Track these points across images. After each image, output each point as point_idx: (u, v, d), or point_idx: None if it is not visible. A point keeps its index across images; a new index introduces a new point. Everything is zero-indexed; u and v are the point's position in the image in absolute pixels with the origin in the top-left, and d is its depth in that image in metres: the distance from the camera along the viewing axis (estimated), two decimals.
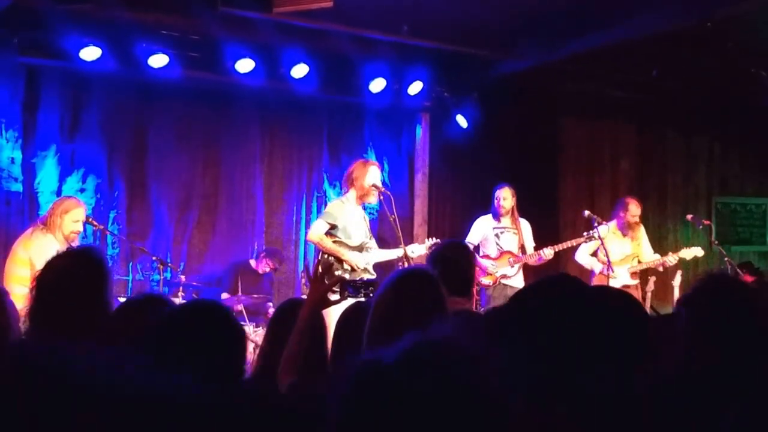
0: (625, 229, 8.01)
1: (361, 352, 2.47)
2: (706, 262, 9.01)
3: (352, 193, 6.60)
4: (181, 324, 2.20)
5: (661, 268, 8.02)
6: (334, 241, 6.46)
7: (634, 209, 7.99)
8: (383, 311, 2.58)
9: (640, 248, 8.10)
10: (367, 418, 1.25)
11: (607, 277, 7.67)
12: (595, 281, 7.77)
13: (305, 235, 8.14)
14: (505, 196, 7.69)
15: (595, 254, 7.98)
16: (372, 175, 6.57)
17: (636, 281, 8.01)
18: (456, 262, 3.35)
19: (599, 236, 7.48)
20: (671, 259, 7.88)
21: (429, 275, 2.77)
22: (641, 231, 8.16)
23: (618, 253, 7.95)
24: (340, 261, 6.42)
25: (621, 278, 7.88)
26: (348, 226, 6.49)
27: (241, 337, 2.28)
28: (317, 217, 6.84)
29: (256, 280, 7.84)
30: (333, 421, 1.28)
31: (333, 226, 6.46)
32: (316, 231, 6.51)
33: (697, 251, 7.99)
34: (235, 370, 2.20)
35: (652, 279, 8.04)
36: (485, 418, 1.24)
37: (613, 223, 8.01)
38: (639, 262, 8.06)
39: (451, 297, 3.13)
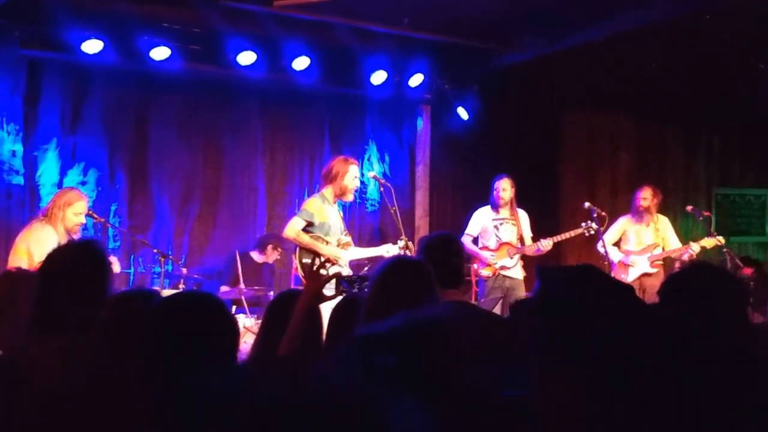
0: (638, 216, 7.99)
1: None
2: (705, 254, 9.01)
3: (328, 191, 6.49)
4: (176, 314, 2.21)
5: (686, 257, 7.80)
6: (312, 236, 6.39)
7: (643, 194, 7.94)
8: (376, 302, 2.61)
9: (666, 238, 8.05)
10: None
11: (627, 266, 7.82)
12: (616, 269, 7.85)
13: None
14: (505, 187, 7.68)
15: (616, 245, 7.99)
16: (351, 174, 6.46)
17: (656, 270, 7.90)
18: (444, 254, 3.37)
19: (597, 227, 7.52)
20: (694, 247, 7.79)
21: (418, 263, 2.80)
22: (662, 220, 8.11)
23: (636, 242, 7.97)
24: (318, 255, 6.35)
25: (640, 266, 7.89)
26: (325, 223, 6.41)
27: (233, 328, 2.29)
28: (294, 215, 6.75)
29: (256, 271, 7.86)
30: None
31: (310, 224, 6.39)
32: (292, 228, 6.39)
33: (718, 240, 7.85)
34: (227, 360, 2.22)
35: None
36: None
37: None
38: (663, 250, 8.00)
39: (443, 290, 3.14)
